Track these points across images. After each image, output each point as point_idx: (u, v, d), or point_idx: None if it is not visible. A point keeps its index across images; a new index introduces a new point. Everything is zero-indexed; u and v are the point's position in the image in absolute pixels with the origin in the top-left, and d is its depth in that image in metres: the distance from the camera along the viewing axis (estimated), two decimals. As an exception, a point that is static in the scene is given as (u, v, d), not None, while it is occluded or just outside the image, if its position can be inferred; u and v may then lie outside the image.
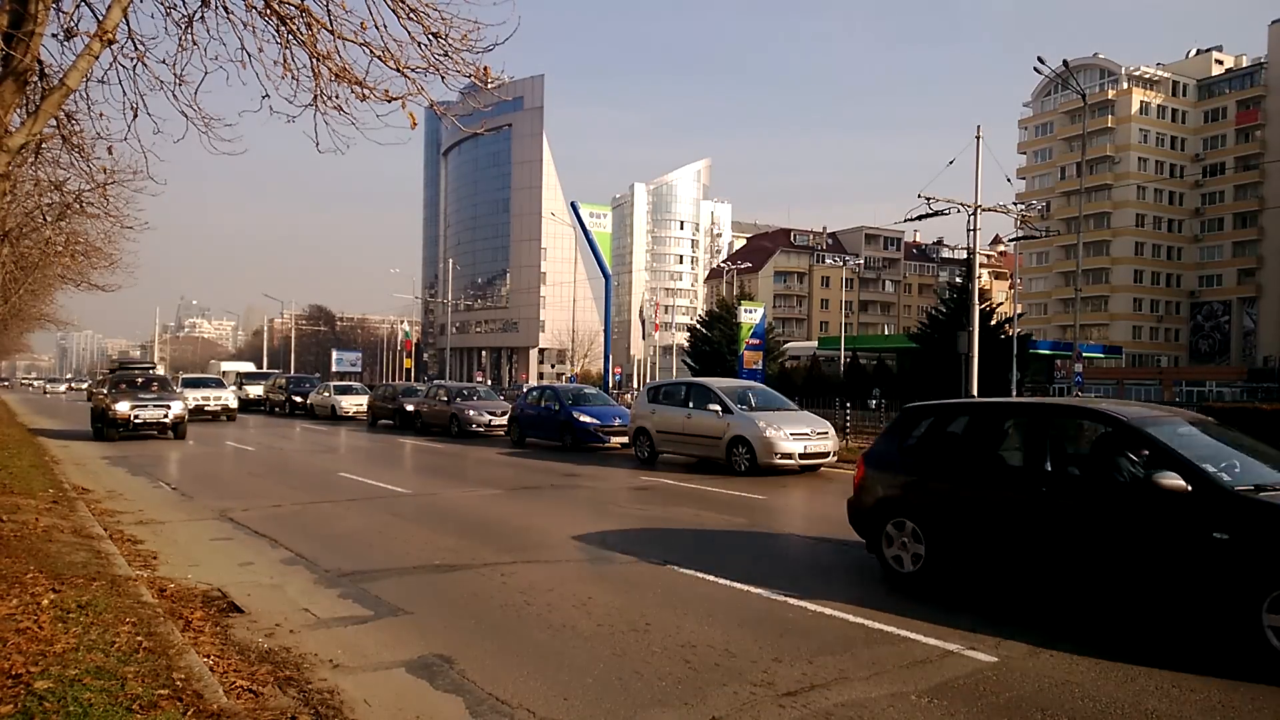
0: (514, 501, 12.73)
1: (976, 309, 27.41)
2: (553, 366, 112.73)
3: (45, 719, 3.94)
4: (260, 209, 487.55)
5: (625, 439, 19.57)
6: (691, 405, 16.87)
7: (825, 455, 15.56)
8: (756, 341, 36.94)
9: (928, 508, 7.34)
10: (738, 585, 7.38)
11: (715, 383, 17.60)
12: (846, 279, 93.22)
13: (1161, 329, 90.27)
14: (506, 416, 26.21)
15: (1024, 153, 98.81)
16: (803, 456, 15.11)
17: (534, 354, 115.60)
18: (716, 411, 15.99)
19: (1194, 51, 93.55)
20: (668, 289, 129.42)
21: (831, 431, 16.08)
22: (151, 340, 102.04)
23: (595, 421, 21.05)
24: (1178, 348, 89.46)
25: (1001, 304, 59.40)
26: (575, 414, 21.27)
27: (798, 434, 15.23)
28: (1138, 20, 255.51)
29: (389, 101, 5.98)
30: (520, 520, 11.04)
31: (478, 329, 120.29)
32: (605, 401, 23.51)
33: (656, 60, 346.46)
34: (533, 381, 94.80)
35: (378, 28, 5.83)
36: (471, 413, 25.76)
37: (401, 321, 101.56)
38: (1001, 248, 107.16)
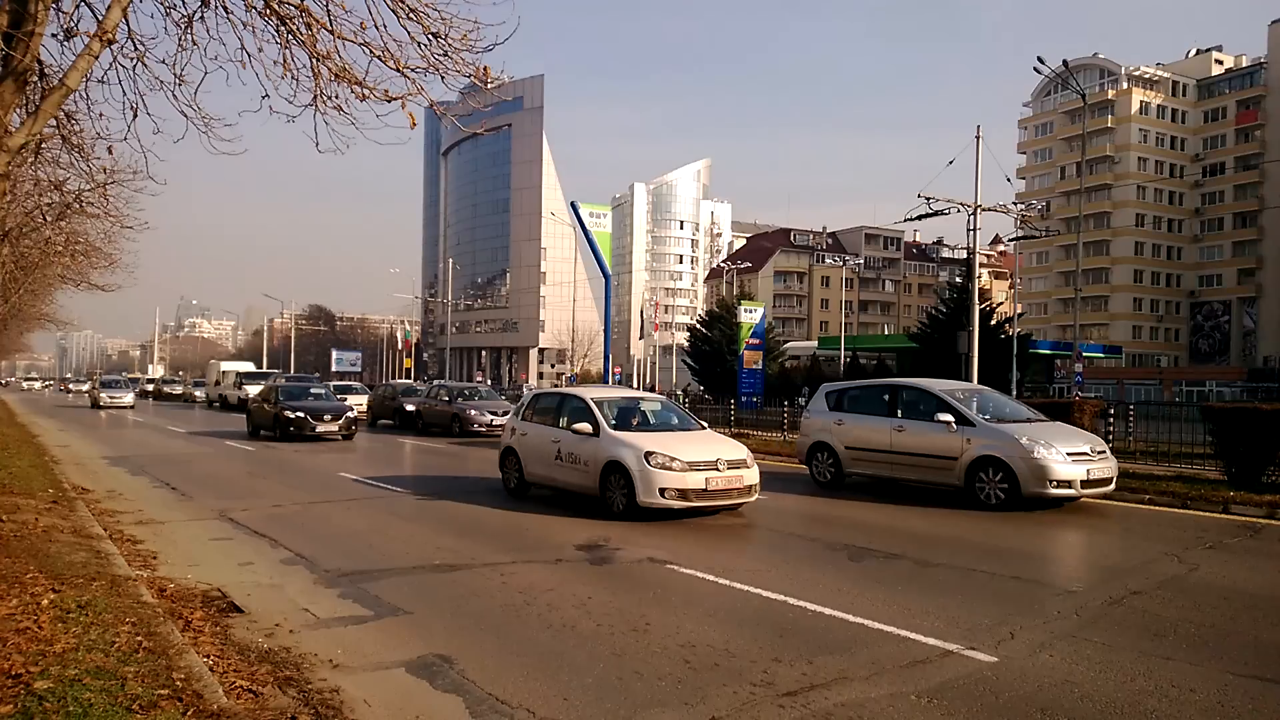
0: (515, 501, 12.71)
1: (976, 309, 27.40)
2: (552, 366, 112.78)
3: (45, 719, 3.94)
4: (260, 209, 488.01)
5: None
6: (902, 415, 13.34)
7: (1109, 482, 12.02)
8: (756, 341, 36.91)
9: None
10: (738, 585, 7.38)
11: (937, 385, 13.82)
12: (846, 279, 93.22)
13: (1161, 329, 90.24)
14: (508, 417, 26.13)
15: (1024, 152, 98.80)
16: (1085, 484, 11.61)
17: (534, 354, 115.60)
18: (948, 424, 12.37)
19: (1194, 51, 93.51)
20: (668, 289, 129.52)
21: (1108, 450, 12.63)
22: (151, 340, 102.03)
23: None
24: (1178, 347, 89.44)
25: (1001, 304, 59.43)
26: None
27: (1076, 453, 11.70)
28: (1138, 20, 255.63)
29: (389, 101, 5.99)
30: (520, 520, 11.03)
31: (478, 329, 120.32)
32: None
33: (656, 60, 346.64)
34: (533, 382, 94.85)
35: (377, 28, 5.84)
36: (473, 413, 25.73)
37: (401, 321, 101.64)
38: (1001, 248, 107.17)
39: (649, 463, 10.52)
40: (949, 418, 12.40)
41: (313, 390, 26.55)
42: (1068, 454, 11.57)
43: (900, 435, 13.09)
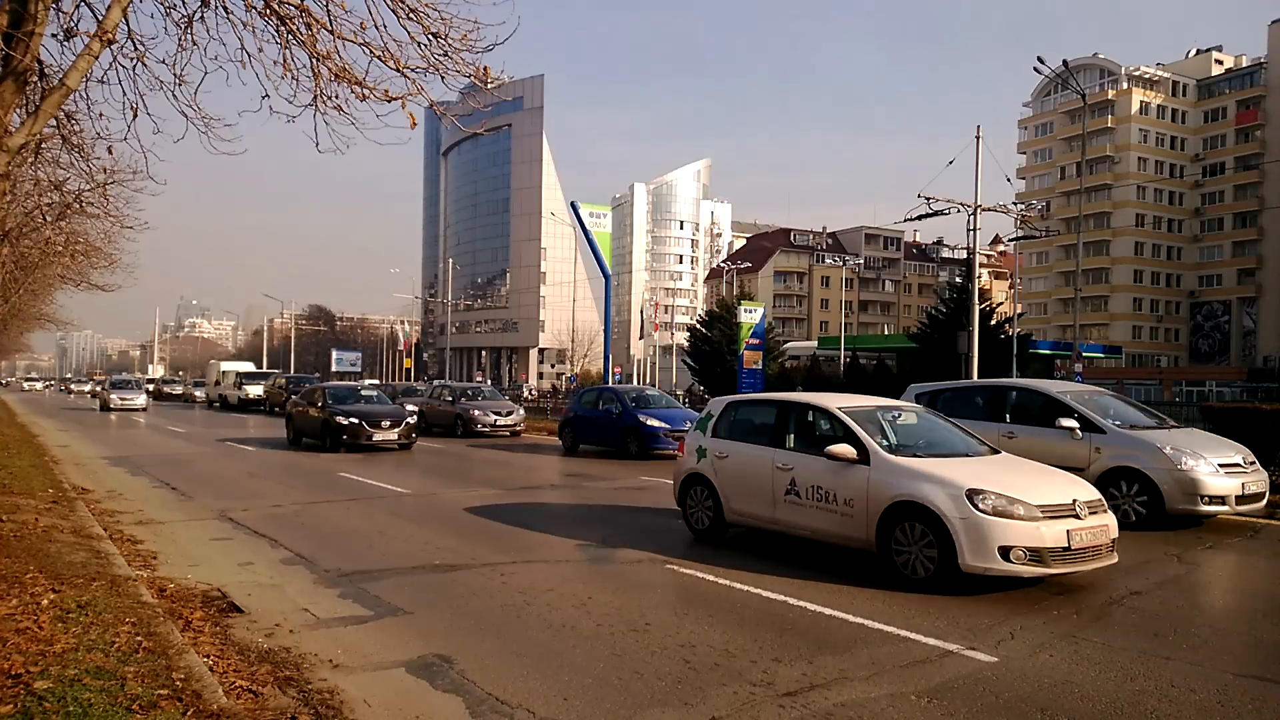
0: (516, 503, 12.71)
1: (976, 309, 27.42)
2: (553, 366, 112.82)
3: (45, 719, 3.94)
4: (260, 209, 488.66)
5: None
6: (1011, 420, 12.06)
7: (1262, 497, 10.61)
8: (756, 341, 36.89)
9: None
10: (738, 585, 7.38)
11: (1053, 386, 12.58)
12: (846, 279, 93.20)
13: (1161, 329, 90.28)
14: (512, 417, 26.14)
15: (1024, 153, 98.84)
16: (1240, 499, 10.26)
17: (534, 354, 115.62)
18: (1071, 430, 10.96)
19: (1194, 51, 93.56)
20: (668, 289, 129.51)
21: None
22: (151, 340, 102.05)
23: (664, 425, 18.75)
24: (1178, 348, 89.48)
25: (1001, 304, 59.39)
26: (641, 418, 19.14)
27: (1229, 465, 10.37)
28: (1138, 20, 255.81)
29: (389, 101, 5.99)
30: (521, 521, 11.03)
31: (478, 329, 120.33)
32: (671, 403, 21.55)
33: (656, 60, 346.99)
34: (533, 381, 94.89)
35: (378, 28, 5.84)
36: (477, 413, 25.67)
37: (401, 321, 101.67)
38: (1001, 248, 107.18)
39: (977, 506, 7.05)
40: (1073, 423, 10.95)
41: (363, 391, 23.66)
42: (1219, 465, 10.29)
43: (1011, 443, 11.22)
